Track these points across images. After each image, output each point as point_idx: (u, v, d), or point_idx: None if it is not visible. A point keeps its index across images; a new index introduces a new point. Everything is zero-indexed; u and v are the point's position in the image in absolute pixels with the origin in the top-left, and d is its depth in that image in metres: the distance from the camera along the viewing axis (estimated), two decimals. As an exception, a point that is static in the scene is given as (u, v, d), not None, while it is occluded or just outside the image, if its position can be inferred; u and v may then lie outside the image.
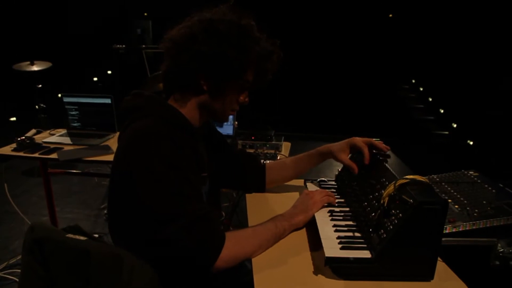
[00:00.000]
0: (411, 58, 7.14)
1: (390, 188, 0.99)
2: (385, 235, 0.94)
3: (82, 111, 2.46)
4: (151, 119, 1.01)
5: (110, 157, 2.07)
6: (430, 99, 7.09)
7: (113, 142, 2.36)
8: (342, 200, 1.26)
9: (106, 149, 2.16)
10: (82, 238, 0.95)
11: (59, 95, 2.59)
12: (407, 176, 0.99)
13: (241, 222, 2.65)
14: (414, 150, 4.22)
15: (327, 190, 1.30)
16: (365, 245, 0.99)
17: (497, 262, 1.52)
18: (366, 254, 0.95)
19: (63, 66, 5.00)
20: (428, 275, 0.95)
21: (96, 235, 2.74)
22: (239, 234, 1.03)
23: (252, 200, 1.39)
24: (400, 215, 0.92)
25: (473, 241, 1.36)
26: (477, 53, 4.99)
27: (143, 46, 4.04)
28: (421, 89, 7.58)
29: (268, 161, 1.43)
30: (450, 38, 5.83)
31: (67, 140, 2.33)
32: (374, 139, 1.39)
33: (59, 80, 5.07)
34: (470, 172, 1.82)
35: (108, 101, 2.35)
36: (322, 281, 0.94)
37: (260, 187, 1.41)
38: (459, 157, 4.50)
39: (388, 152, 1.26)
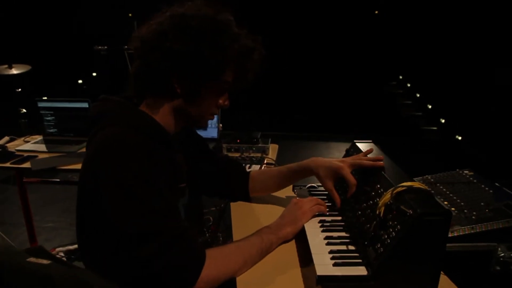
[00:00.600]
0: (398, 54, 7.12)
1: (386, 197, 0.90)
2: (382, 250, 0.85)
3: (58, 117, 2.33)
4: (119, 127, 0.90)
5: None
6: (418, 95, 7.08)
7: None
8: (334, 208, 1.17)
9: (84, 157, 2.04)
10: (45, 261, 0.85)
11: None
12: (404, 183, 0.91)
13: (228, 228, 2.55)
14: (405, 148, 4.18)
15: (317, 197, 1.21)
16: (360, 260, 0.90)
17: (498, 268, 1.45)
18: (361, 271, 0.86)
19: (45, 69, 4.84)
20: (429, 292, 0.87)
21: (76, 245, 2.64)
22: (220, 252, 0.93)
23: (237, 209, 1.30)
24: (398, 227, 0.83)
25: (473, 247, 1.30)
26: (464, 47, 4.97)
27: (125, 47, 3.91)
28: (409, 85, 7.58)
29: (252, 169, 1.34)
30: (437, 33, 5.81)
31: (42, 147, 2.20)
32: (365, 142, 1.30)
33: (41, 83, 4.91)
34: (465, 172, 1.76)
35: (85, 105, 2.23)
36: (314, 302, 0.86)
37: (245, 196, 1.31)
38: (449, 154, 4.47)
39: (381, 155, 1.17)
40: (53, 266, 0.83)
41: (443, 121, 5.88)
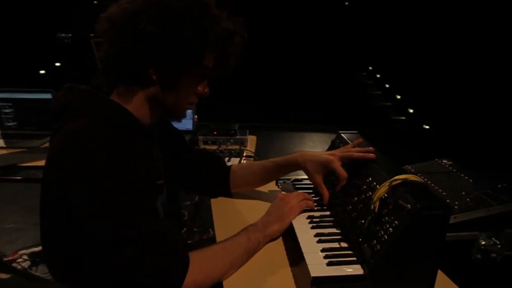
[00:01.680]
0: (367, 45, 7.21)
1: (381, 191, 0.86)
2: (378, 247, 0.80)
3: (17, 109, 2.14)
4: (88, 119, 0.80)
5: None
6: (387, 86, 7.22)
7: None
8: (321, 203, 1.11)
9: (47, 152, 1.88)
10: (3, 276, 0.75)
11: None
12: (399, 176, 0.86)
13: (205, 223, 2.47)
14: (378, 138, 4.22)
15: (303, 191, 1.15)
16: (354, 258, 0.85)
17: (479, 256, 1.45)
18: (357, 270, 0.81)
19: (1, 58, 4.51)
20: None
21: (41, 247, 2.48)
22: (205, 255, 0.85)
23: (218, 205, 1.22)
24: (396, 222, 0.79)
25: (455, 236, 1.30)
26: (429, 39, 5.07)
27: (92, 35, 3.72)
28: (378, 76, 7.71)
29: (232, 162, 1.27)
30: (404, 25, 5.90)
31: (0, 142, 2.02)
32: (351, 132, 1.25)
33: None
34: (444, 161, 1.76)
35: (48, 96, 2.06)
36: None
37: (226, 191, 1.24)
38: (422, 143, 4.56)
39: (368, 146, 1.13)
40: (13, 280, 0.73)
41: (411, 111, 6.03)
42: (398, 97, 6.70)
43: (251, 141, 1.86)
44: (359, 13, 7.30)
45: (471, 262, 1.36)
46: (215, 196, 1.25)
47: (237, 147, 1.78)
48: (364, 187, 0.97)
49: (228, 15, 0.90)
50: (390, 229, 0.80)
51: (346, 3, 7.89)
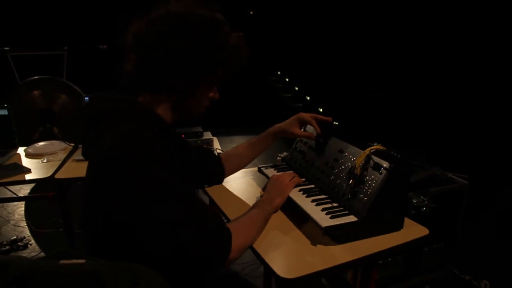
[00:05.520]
0: (274, 51, 7.79)
1: (360, 159, 1.15)
2: (366, 199, 1.09)
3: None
4: (133, 123, 0.94)
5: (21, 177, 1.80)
6: (297, 88, 7.87)
7: (16, 158, 2.04)
8: (303, 179, 1.38)
9: (17, 169, 1.83)
10: (81, 261, 0.84)
11: None
12: (372, 147, 1.17)
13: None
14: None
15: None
16: (347, 212, 1.13)
17: (413, 212, 1.86)
18: (352, 218, 1.10)
19: None
20: (399, 226, 1.15)
21: None
22: (239, 225, 1.06)
23: (214, 192, 1.42)
24: (376, 179, 1.09)
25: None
26: (330, 44, 5.70)
27: (7, 48, 3.51)
28: (287, 79, 8.35)
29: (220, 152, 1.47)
30: (308, 32, 6.54)
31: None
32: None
33: None
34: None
35: (4, 112, 1.99)
36: (323, 249, 1.06)
37: (220, 179, 1.44)
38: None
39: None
40: (92, 262, 0.83)
41: (321, 110, 6.68)
42: (308, 98, 7.34)
43: (215, 141, 2.06)
44: (263, 21, 7.84)
45: (408, 216, 1.73)
46: (210, 185, 1.45)
47: (204, 147, 1.97)
48: (342, 160, 1.26)
49: (233, 30, 1.10)
50: (373, 184, 1.09)
51: (251, 13, 8.39)
